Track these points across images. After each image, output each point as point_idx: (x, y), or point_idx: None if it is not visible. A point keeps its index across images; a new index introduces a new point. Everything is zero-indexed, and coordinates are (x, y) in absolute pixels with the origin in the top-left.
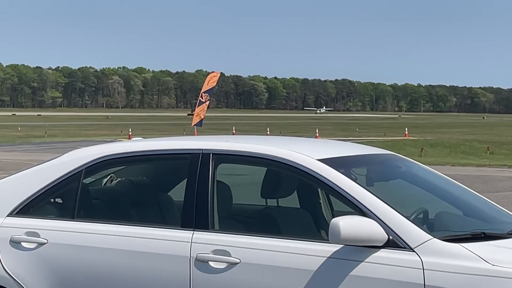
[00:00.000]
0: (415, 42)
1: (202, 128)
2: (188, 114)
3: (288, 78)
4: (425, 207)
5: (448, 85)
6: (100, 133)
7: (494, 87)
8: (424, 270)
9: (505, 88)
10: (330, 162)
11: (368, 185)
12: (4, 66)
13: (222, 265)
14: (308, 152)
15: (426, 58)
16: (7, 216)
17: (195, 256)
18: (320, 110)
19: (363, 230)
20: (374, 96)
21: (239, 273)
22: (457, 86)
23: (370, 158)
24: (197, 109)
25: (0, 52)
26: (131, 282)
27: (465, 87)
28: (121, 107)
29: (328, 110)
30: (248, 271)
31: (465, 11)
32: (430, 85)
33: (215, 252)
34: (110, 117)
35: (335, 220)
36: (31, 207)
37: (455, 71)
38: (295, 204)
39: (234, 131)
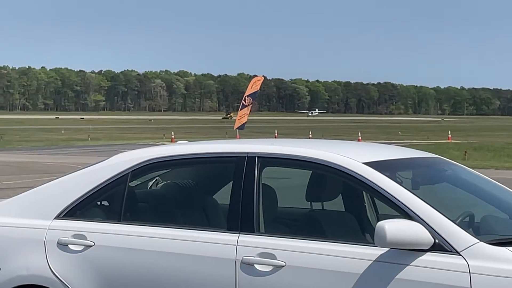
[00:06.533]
0: (458, 45)
1: (244, 131)
2: (223, 118)
3: (330, 81)
4: (471, 211)
5: (491, 88)
6: (143, 136)
7: None
8: (471, 274)
9: None
10: (375, 165)
11: (413, 188)
12: (48, 70)
13: (267, 268)
14: (353, 156)
15: (469, 61)
16: (55, 218)
17: (240, 259)
18: (312, 112)
19: (409, 234)
20: (416, 99)
21: (284, 276)
22: (500, 89)
23: (415, 162)
24: (240, 113)
25: (44, 56)
26: (177, 285)
27: (509, 90)
28: (164, 111)
29: (321, 112)
30: (294, 274)
31: (508, 12)
32: (473, 88)
33: (261, 255)
34: (152, 120)
35: (381, 223)
36: (78, 210)
37: (498, 74)
38: (340, 208)
39: (276, 134)
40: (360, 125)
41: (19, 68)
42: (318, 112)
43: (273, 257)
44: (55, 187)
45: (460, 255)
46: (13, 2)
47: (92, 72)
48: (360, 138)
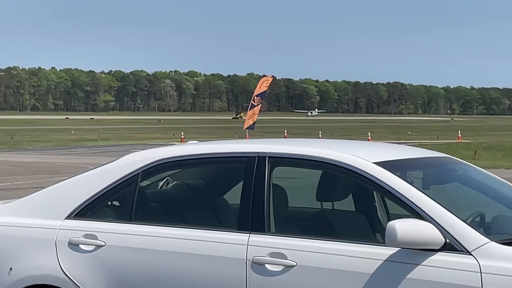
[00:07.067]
0: (468, 44)
1: (254, 131)
2: (233, 118)
3: (339, 81)
4: (482, 210)
5: (501, 88)
6: (153, 136)
7: None
8: (482, 274)
9: None
10: (386, 165)
11: (424, 188)
12: (58, 70)
13: (278, 268)
14: (364, 155)
15: (479, 61)
16: (66, 218)
17: (251, 258)
18: (311, 112)
19: (420, 233)
20: (426, 99)
21: (295, 276)
22: (510, 89)
23: (426, 161)
24: (249, 112)
25: (54, 57)
26: (188, 285)
27: None
28: (173, 111)
29: (320, 112)
30: (304, 274)
31: None
32: (483, 87)
33: (272, 254)
34: (162, 120)
35: (392, 223)
36: (89, 210)
37: (508, 73)
38: (351, 207)
39: (286, 134)
40: (370, 125)
41: (29, 68)
42: (318, 112)
43: (283, 257)
44: (66, 187)
45: (471, 254)
46: (23, 3)
47: (101, 73)
48: (369, 138)
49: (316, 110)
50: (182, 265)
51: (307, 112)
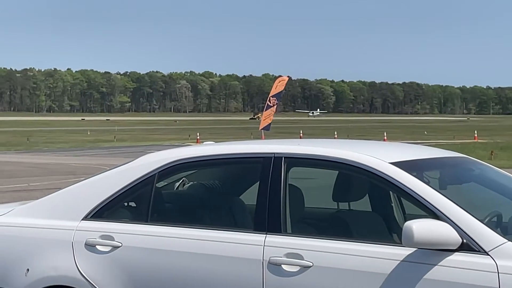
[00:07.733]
0: (483, 44)
1: (270, 132)
2: (250, 118)
3: (355, 81)
4: (499, 210)
5: None
6: (168, 137)
7: None
8: (499, 274)
9: None
10: (402, 165)
11: (441, 188)
12: (74, 71)
13: (295, 269)
14: (380, 156)
15: (495, 60)
16: (82, 219)
17: (268, 259)
18: (313, 112)
19: (437, 234)
20: (442, 99)
21: (311, 277)
22: None
23: (442, 161)
24: (265, 113)
25: (70, 58)
26: (204, 285)
27: None
28: (189, 112)
29: (322, 112)
30: (321, 274)
31: None
32: (499, 87)
33: (288, 255)
34: (177, 121)
35: (409, 223)
36: (106, 211)
37: None
38: (367, 208)
39: (301, 134)
40: (386, 125)
41: (45, 70)
42: (320, 112)
43: (300, 257)
44: (82, 188)
45: (488, 255)
46: (39, 4)
47: (117, 74)
48: (385, 138)
49: (318, 110)
50: (198, 266)
51: (308, 112)
